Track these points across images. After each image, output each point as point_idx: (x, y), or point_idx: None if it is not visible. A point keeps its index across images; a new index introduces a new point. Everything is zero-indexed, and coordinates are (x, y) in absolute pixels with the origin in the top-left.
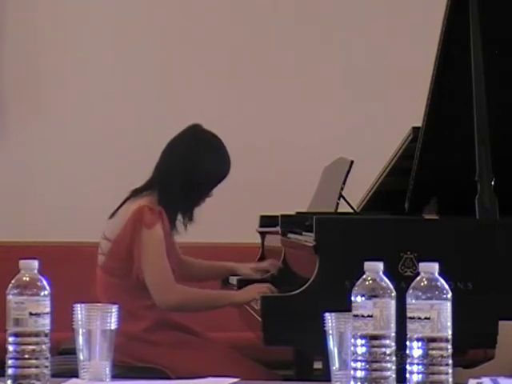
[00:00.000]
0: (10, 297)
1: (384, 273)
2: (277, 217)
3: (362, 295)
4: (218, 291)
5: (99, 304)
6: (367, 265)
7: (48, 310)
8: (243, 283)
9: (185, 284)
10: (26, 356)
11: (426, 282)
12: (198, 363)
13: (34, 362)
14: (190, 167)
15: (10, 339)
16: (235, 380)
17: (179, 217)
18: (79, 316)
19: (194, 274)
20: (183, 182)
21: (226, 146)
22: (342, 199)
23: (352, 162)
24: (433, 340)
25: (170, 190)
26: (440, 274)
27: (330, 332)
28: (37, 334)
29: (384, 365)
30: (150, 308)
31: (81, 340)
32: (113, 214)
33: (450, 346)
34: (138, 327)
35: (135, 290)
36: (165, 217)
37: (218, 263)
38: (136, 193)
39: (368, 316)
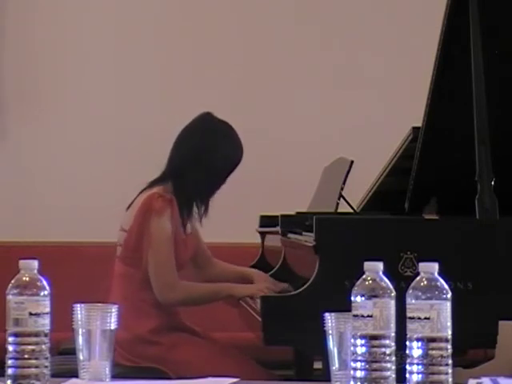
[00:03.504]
0: (9, 297)
1: (384, 273)
2: (277, 217)
3: (362, 295)
4: (218, 284)
5: (99, 304)
6: (367, 265)
7: (48, 310)
8: None
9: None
10: (26, 356)
11: (425, 282)
12: (199, 362)
13: (33, 362)
14: (202, 154)
15: (10, 339)
16: (235, 380)
17: (195, 208)
18: (79, 316)
19: (217, 277)
20: (196, 169)
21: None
22: (342, 199)
23: (352, 161)
24: (432, 340)
25: (183, 178)
26: (440, 274)
27: (330, 332)
28: (37, 334)
29: (384, 365)
30: (158, 304)
31: (81, 340)
32: (129, 206)
33: (449, 346)
34: (144, 327)
35: (145, 282)
36: (175, 205)
37: (237, 269)
38: (151, 184)
39: (368, 316)
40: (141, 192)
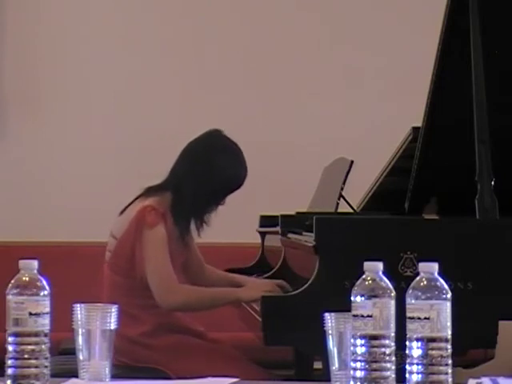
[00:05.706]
0: (9, 297)
1: (384, 273)
2: (277, 217)
3: (362, 295)
4: (222, 289)
5: (99, 304)
6: (367, 265)
7: (48, 309)
8: None
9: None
10: (26, 356)
11: (425, 282)
12: (198, 364)
13: (33, 361)
14: (205, 171)
15: (10, 339)
16: (235, 380)
17: (192, 221)
18: (79, 316)
19: (212, 283)
20: (197, 185)
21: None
22: (342, 199)
23: (352, 162)
24: (432, 340)
25: (184, 192)
26: (440, 274)
27: (330, 332)
28: (36, 334)
29: (384, 365)
30: (150, 309)
31: (80, 340)
32: (122, 211)
33: (449, 346)
34: (136, 331)
35: (137, 290)
36: (168, 219)
37: (232, 277)
38: (148, 191)
39: (368, 316)
40: (136, 198)
